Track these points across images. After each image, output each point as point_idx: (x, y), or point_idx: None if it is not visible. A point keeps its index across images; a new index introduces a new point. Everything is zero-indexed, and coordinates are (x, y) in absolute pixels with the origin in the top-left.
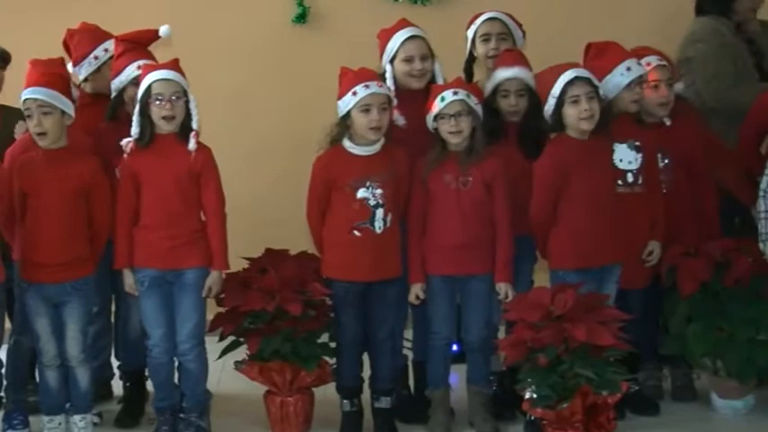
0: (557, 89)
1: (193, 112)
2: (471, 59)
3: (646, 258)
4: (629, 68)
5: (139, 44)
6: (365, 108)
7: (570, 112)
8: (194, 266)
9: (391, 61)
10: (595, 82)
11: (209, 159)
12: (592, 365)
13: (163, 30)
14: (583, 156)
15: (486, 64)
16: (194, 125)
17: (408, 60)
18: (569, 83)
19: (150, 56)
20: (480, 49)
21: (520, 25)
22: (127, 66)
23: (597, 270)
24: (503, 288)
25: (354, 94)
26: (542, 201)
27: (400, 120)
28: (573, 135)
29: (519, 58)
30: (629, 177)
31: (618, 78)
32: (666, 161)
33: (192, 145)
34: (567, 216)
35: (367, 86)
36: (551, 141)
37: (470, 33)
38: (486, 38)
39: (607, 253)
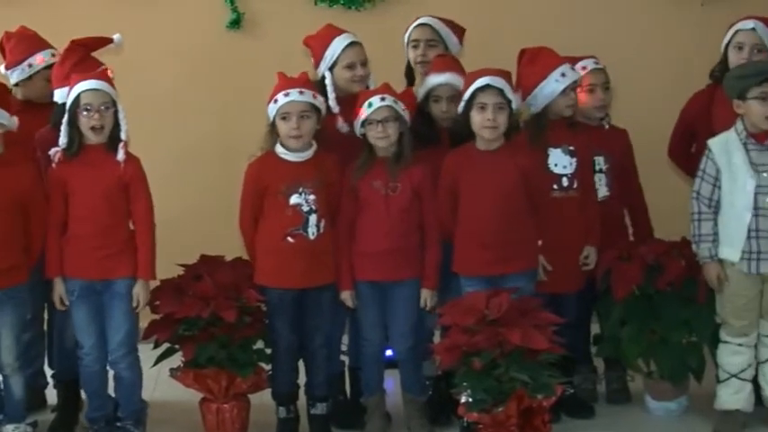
0: (467, 93)
1: (122, 122)
2: (409, 66)
3: (583, 262)
4: (563, 74)
5: (91, 50)
6: (284, 116)
7: (476, 119)
8: (123, 276)
9: (331, 68)
10: (508, 94)
11: (137, 170)
12: (527, 369)
13: (116, 38)
14: (476, 165)
15: (416, 70)
16: (123, 136)
17: (350, 67)
18: (480, 89)
19: (98, 63)
20: (410, 55)
21: (459, 30)
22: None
23: (498, 278)
24: (424, 294)
25: (275, 101)
26: (441, 204)
27: (344, 127)
28: (478, 142)
29: (451, 64)
30: (564, 182)
31: (553, 84)
32: (608, 165)
33: (120, 155)
34: (464, 224)
35: (287, 94)
36: (456, 148)
37: (405, 38)
38: (416, 44)
39: (505, 261)
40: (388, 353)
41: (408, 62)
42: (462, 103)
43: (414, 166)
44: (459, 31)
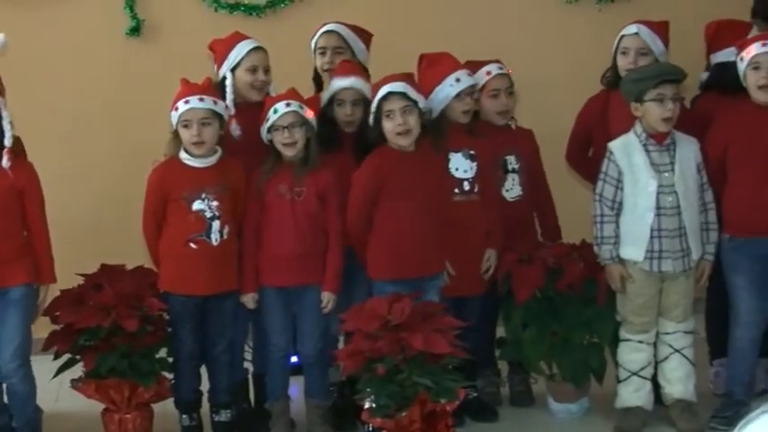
0: (374, 104)
1: (6, 129)
2: (317, 72)
3: (485, 266)
4: (458, 80)
5: None
6: (185, 123)
7: (387, 127)
8: (19, 284)
9: (233, 70)
10: (412, 95)
11: (31, 175)
12: (429, 374)
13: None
14: (400, 167)
15: (324, 76)
16: (7, 142)
17: (252, 70)
18: (383, 98)
19: None
20: (318, 62)
21: (366, 36)
22: None
23: (415, 280)
24: (326, 297)
25: (176, 109)
26: (357, 211)
27: (236, 130)
28: (393, 147)
29: (355, 69)
30: (465, 186)
31: (447, 89)
32: (520, 164)
33: (5, 163)
34: (382, 227)
35: (186, 102)
36: (372, 153)
37: (312, 45)
38: (323, 51)
39: (425, 264)
40: (293, 359)
41: (316, 68)
42: (372, 116)
43: (319, 171)
44: (367, 37)
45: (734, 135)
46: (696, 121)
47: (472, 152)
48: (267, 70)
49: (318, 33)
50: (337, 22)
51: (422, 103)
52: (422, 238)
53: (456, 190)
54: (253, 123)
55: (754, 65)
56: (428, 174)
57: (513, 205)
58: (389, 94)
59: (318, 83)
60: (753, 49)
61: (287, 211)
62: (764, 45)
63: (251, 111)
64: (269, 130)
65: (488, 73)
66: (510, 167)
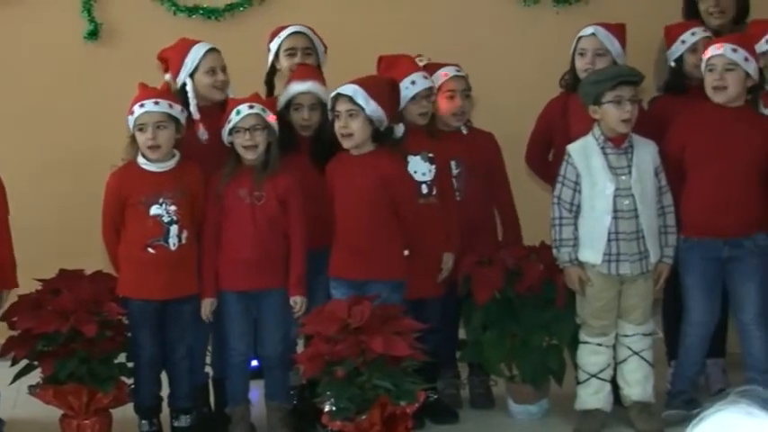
0: (330, 103)
1: None
2: (273, 72)
3: (442, 269)
4: (413, 82)
5: None
6: (140, 127)
7: (335, 127)
8: None
9: (192, 75)
10: (359, 100)
11: None
12: (389, 376)
13: None
14: (347, 171)
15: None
16: None
17: (211, 72)
18: (334, 99)
19: None
20: (285, 63)
21: (320, 39)
22: None
23: (362, 283)
24: (298, 301)
25: (132, 113)
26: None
27: (204, 134)
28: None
29: (313, 73)
30: (424, 189)
31: (403, 92)
32: (459, 169)
33: None
34: (342, 229)
35: (142, 105)
36: (326, 156)
37: (274, 46)
38: (292, 52)
39: (366, 267)
40: (253, 363)
41: (270, 70)
42: (330, 116)
43: (280, 176)
44: (322, 40)
45: (691, 136)
46: (654, 121)
47: (431, 155)
48: (224, 69)
49: (285, 34)
50: (302, 25)
51: (370, 109)
52: (363, 240)
53: None
54: (216, 126)
55: (710, 67)
56: (368, 179)
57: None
58: (338, 95)
59: (270, 85)
60: (708, 52)
61: (247, 215)
62: (719, 47)
63: (216, 113)
64: (230, 132)
65: (445, 74)
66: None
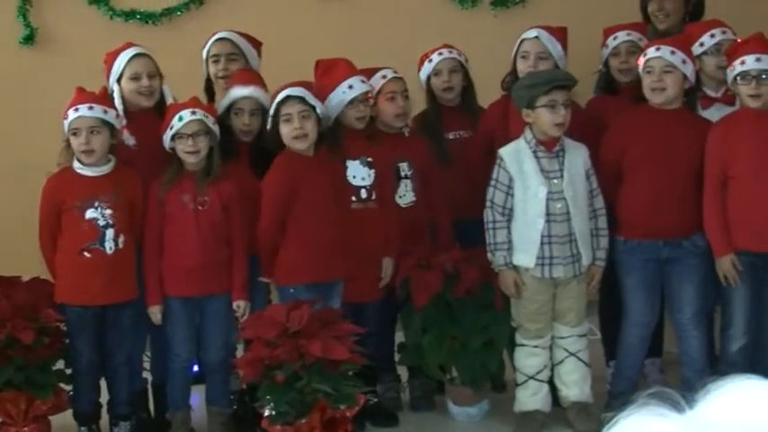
0: (272, 109)
1: None
2: (210, 80)
3: (380, 275)
4: (350, 86)
5: None
6: (74, 132)
7: (284, 131)
8: None
9: (118, 80)
10: (310, 100)
11: None
12: (329, 380)
13: None
14: (308, 172)
15: (217, 84)
16: None
17: (135, 78)
18: (281, 102)
19: None
20: (211, 69)
21: (257, 44)
22: None
23: (326, 285)
24: (241, 305)
25: (66, 118)
26: (271, 218)
27: (130, 140)
28: (296, 152)
29: (254, 78)
30: (363, 193)
31: (340, 96)
32: (412, 170)
33: None
34: (297, 232)
35: (76, 110)
36: (277, 158)
37: (204, 53)
38: (216, 59)
39: (335, 268)
40: (194, 368)
41: (208, 76)
42: (270, 121)
43: (222, 181)
44: (257, 45)
45: (630, 139)
46: (590, 122)
47: (370, 159)
48: (152, 75)
49: (211, 41)
50: (230, 30)
51: (319, 109)
52: (332, 241)
53: (353, 198)
54: (147, 131)
55: (648, 68)
56: (329, 180)
57: (407, 211)
58: (288, 97)
59: (210, 91)
60: (647, 53)
61: (190, 221)
62: (657, 50)
63: (144, 118)
64: (172, 138)
65: (384, 77)
66: (402, 174)
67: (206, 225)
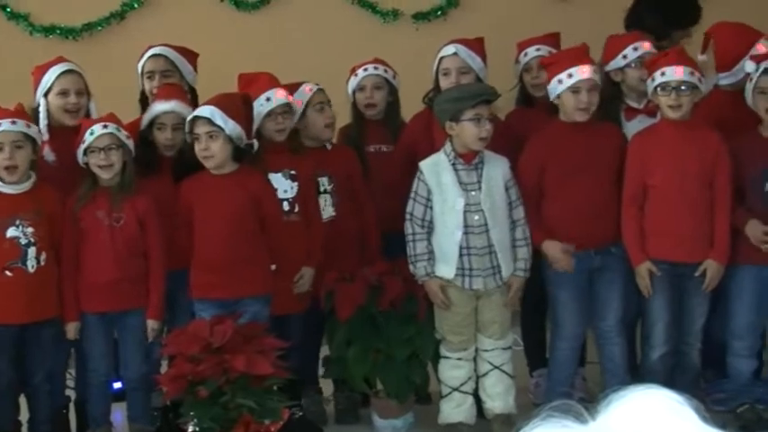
0: (187, 126)
1: None
2: (144, 92)
3: (298, 283)
4: (268, 99)
5: None
6: None
7: (196, 150)
8: None
9: (45, 95)
10: (218, 121)
11: None
12: (253, 395)
13: None
14: (205, 191)
15: (153, 100)
16: None
17: (63, 94)
18: (192, 121)
19: None
20: (146, 86)
21: (193, 57)
22: None
23: (232, 302)
24: (150, 325)
25: None
26: (180, 230)
27: (50, 156)
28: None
29: (177, 92)
30: (286, 206)
31: (258, 108)
32: (332, 184)
33: None
34: (195, 249)
35: None
36: (188, 176)
37: (139, 68)
38: (150, 75)
39: (237, 286)
40: (116, 385)
41: (143, 91)
42: (188, 136)
43: (138, 196)
44: (193, 58)
45: (548, 154)
46: (509, 135)
47: (293, 172)
48: (81, 93)
49: (146, 57)
50: (164, 45)
51: (229, 128)
52: (230, 259)
53: None
54: (68, 148)
55: (574, 88)
56: (236, 198)
57: (327, 226)
58: (196, 118)
59: (145, 105)
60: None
61: (106, 236)
62: (584, 71)
63: (66, 135)
64: (85, 153)
65: (310, 89)
66: (322, 188)
67: (121, 241)
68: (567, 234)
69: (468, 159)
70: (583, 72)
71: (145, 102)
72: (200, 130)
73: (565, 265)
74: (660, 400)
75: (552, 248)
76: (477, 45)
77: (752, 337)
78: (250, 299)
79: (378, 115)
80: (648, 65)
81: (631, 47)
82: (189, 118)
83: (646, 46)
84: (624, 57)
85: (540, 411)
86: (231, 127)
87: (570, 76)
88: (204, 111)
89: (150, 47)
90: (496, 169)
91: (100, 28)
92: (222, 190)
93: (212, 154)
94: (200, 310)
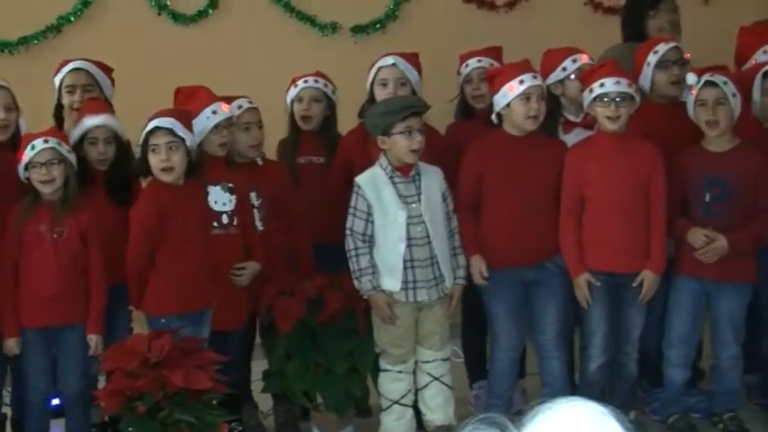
0: (141, 139)
1: None
2: (60, 107)
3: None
4: (214, 111)
5: None
6: None
7: (152, 162)
8: None
9: None
10: (179, 132)
11: None
12: (191, 410)
13: None
14: (177, 201)
15: (69, 114)
16: None
17: None
18: (150, 132)
19: None
20: (65, 100)
21: (110, 71)
22: None
23: (197, 314)
24: (93, 339)
25: None
26: (139, 248)
27: None
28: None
29: (104, 106)
30: (225, 219)
31: (204, 122)
32: (260, 200)
33: None
34: (166, 262)
35: None
36: (146, 187)
37: (57, 81)
38: (71, 89)
39: (204, 297)
40: (55, 401)
41: (58, 103)
42: (137, 148)
43: (80, 211)
44: (109, 72)
45: (487, 166)
46: (449, 147)
47: (231, 185)
48: (9, 109)
49: (64, 71)
50: (84, 60)
51: (189, 140)
52: (202, 270)
53: (215, 223)
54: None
55: (525, 95)
56: (198, 205)
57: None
58: (156, 128)
59: (59, 119)
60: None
61: (48, 251)
62: (535, 77)
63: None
64: (26, 168)
65: (240, 107)
66: (250, 203)
67: (64, 255)
68: (497, 249)
69: (405, 172)
70: (534, 78)
71: (59, 115)
72: (160, 140)
73: (484, 282)
74: (584, 412)
75: (477, 264)
76: (413, 59)
77: (686, 347)
78: (209, 310)
79: (314, 128)
80: (584, 77)
81: (570, 59)
82: (147, 128)
83: (584, 58)
84: (564, 69)
85: (467, 424)
86: (190, 139)
87: (522, 82)
88: (165, 122)
89: (67, 61)
90: (432, 180)
91: (36, 41)
92: (185, 202)
93: (173, 165)
94: (165, 325)
